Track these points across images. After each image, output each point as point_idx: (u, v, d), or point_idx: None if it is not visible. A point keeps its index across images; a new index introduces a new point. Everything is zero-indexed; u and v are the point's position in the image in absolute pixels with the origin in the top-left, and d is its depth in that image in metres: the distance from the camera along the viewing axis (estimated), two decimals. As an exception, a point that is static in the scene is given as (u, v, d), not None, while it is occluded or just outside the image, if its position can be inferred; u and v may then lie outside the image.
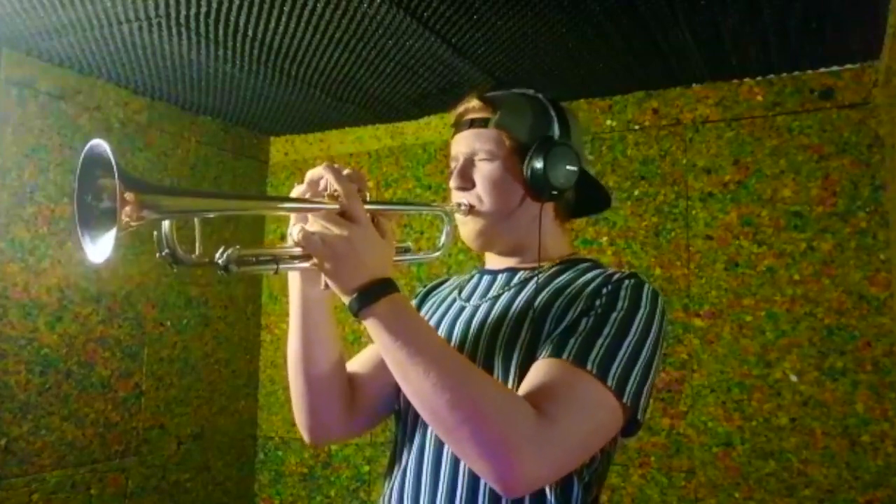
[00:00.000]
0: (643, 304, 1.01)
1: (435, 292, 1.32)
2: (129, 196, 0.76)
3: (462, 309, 1.17)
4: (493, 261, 1.22)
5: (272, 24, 2.06)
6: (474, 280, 1.23)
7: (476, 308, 1.15)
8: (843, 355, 2.25)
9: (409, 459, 1.10)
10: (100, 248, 0.79)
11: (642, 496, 2.46)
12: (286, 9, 1.96)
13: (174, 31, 2.12)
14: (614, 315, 0.99)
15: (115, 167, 0.74)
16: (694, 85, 2.54)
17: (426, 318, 1.22)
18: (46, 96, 2.39)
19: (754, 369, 2.36)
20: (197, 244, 0.86)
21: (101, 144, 0.76)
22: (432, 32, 2.10)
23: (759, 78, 2.45)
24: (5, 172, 2.26)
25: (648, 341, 0.99)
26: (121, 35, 2.16)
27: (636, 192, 2.59)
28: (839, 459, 2.22)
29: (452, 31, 2.10)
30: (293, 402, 1.17)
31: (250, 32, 2.12)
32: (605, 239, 2.61)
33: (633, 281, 1.04)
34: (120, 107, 2.64)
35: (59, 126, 2.42)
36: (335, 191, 0.95)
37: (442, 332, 1.16)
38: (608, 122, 2.67)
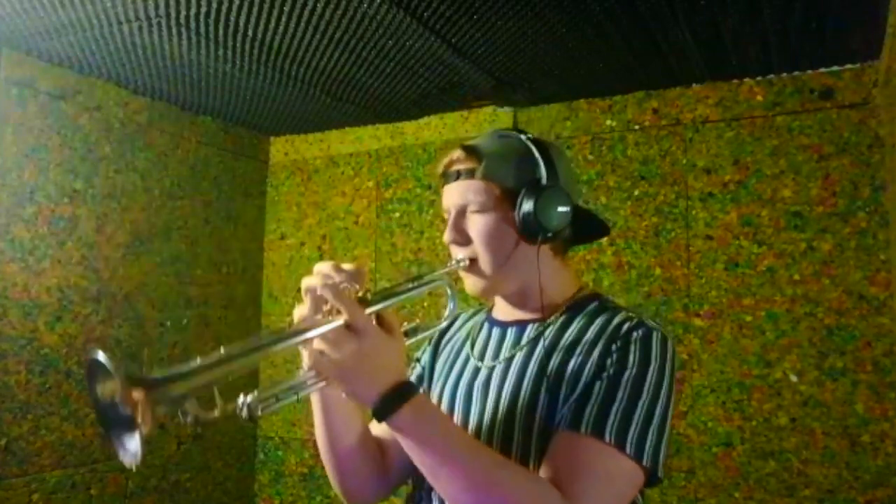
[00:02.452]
0: (653, 358, 1.04)
1: (447, 340, 1.32)
2: (137, 396, 0.75)
3: (477, 370, 1.18)
4: (501, 308, 1.24)
5: (272, 24, 2.06)
6: (484, 333, 1.24)
7: (491, 370, 1.16)
8: (843, 355, 2.25)
9: None
10: (132, 452, 0.78)
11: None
12: (286, 9, 1.96)
13: (174, 31, 2.12)
14: (626, 375, 1.02)
15: (116, 375, 0.74)
16: (694, 85, 2.53)
17: (442, 372, 1.24)
18: (46, 96, 2.39)
19: (754, 369, 2.36)
20: (217, 401, 0.87)
21: (97, 356, 0.75)
22: (432, 32, 2.10)
23: (759, 78, 2.45)
24: (5, 172, 2.26)
25: (661, 396, 1.02)
26: (121, 35, 2.16)
27: (636, 192, 2.59)
28: (839, 459, 2.22)
29: (452, 31, 2.10)
30: (327, 472, 1.21)
31: (250, 32, 2.12)
32: (605, 239, 2.60)
33: (641, 332, 1.06)
34: (120, 107, 2.64)
35: (59, 126, 2.42)
36: (334, 307, 0.95)
37: (460, 395, 1.18)
38: (608, 122, 2.67)
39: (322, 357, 0.94)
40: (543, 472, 0.98)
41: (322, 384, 0.98)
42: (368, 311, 0.97)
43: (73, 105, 2.48)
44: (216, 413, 0.87)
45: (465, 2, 1.91)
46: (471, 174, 1.14)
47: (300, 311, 1.01)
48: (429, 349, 1.33)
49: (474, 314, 1.32)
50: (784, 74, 2.41)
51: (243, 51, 2.26)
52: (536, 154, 1.14)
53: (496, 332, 1.21)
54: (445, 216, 1.18)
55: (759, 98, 2.45)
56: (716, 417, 2.39)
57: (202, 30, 2.11)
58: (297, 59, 2.32)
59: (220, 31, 2.12)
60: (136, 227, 2.68)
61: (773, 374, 2.33)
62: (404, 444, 0.96)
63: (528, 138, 1.17)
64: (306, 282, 1.00)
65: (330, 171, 3.21)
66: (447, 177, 1.18)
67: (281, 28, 2.08)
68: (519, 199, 1.11)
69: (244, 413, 0.90)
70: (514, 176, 1.13)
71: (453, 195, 1.16)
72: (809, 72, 2.38)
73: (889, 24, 1.98)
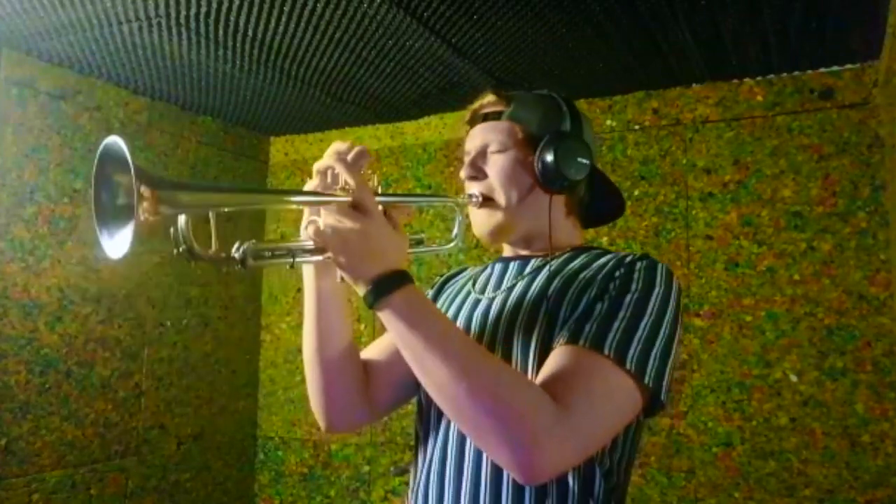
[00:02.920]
0: (658, 283, 1.01)
1: (451, 283, 1.32)
2: (145, 191, 0.76)
3: (477, 302, 1.17)
4: (507, 252, 1.23)
5: (272, 24, 2.06)
6: (488, 270, 1.24)
7: (491, 300, 1.15)
8: (843, 355, 2.25)
9: (433, 454, 1.11)
10: (118, 244, 0.78)
11: (642, 496, 2.45)
12: (286, 9, 1.96)
13: (174, 31, 2.12)
14: (629, 297, 0.99)
15: (130, 163, 0.74)
16: (694, 85, 2.54)
17: (441, 308, 1.22)
18: (46, 96, 2.39)
19: (754, 369, 2.36)
20: (213, 240, 0.86)
21: (116, 142, 0.76)
22: (432, 32, 2.10)
23: (759, 78, 2.45)
24: (5, 172, 2.26)
25: (666, 320, 0.99)
26: (121, 35, 2.16)
27: (636, 192, 2.59)
28: (839, 459, 2.22)
29: (452, 31, 2.10)
30: (309, 390, 1.18)
31: (250, 32, 2.12)
32: (605, 239, 2.61)
33: (645, 262, 1.04)
34: (120, 107, 2.64)
35: (59, 126, 2.42)
36: (346, 183, 0.95)
37: (459, 325, 1.15)
38: (608, 122, 2.67)
39: (325, 229, 0.93)
40: (537, 382, 0.94)
41: (319, 257, 0.96)
42: (377, 199, 0.96)
43: (73, 105, 2.48)
44: (211, 251, 0.86)
45: (465, 2, 1.91)
46: (497, 116, 1.16)
47: (310, 185, 1.00)
48: (431, 292, 1.32)
49: (480, 267, 1.32)
50: (784, 74, 2.41)
51: (243, 51, 2.26)
52: (565, 108, 1.16)
53: (498, 266, 1.21)
54: (466, 159, 1.18)
55: (759, 98, 2.45)
56: (716, 417, 2.39)
57: (202, 30, 2.11)
58: (297, 59, 2.32)
59: (220, 31, 2.12)
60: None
61: (773, 374, 2.33)
62: (394, 330, 0.92)
63: (559, 95, 1.19)
64: (318, 164, 1.00)
65: (330, 171, 3.20)
66: (474, 120, 1.19)
67: (281, 28, 2.09)
68: (541, 145, 1.12)
69: (238, 256, 0.89)
70: (539, 122, 1.14)
71: (476, 137, 1.17)
72: (809, 72, 2.38)
73: (889, 24, 1.98)
